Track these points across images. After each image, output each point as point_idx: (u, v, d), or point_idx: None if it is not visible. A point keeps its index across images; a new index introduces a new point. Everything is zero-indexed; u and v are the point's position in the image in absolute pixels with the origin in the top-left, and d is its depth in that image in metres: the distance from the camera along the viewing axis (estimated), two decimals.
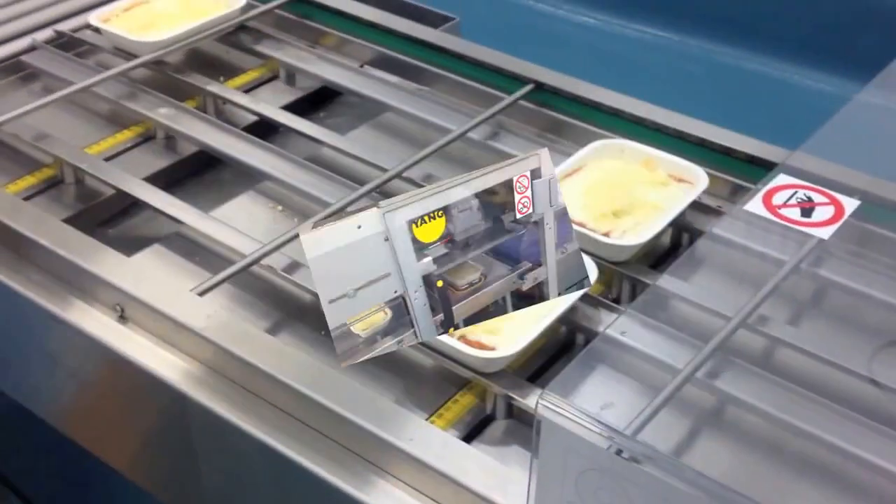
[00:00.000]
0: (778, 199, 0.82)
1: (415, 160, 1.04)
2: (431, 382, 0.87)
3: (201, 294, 0.90)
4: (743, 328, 0.80)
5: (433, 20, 1.30)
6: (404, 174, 1.04)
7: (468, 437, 0.82)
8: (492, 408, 0.84)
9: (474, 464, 0.75)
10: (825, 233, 0.80)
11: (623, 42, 1.68)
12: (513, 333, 0.83)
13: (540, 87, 1.15)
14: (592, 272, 0.87)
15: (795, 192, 0.83)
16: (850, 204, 0.82)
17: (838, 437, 0.76)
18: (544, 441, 0.66)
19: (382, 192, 1.02)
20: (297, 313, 0.94)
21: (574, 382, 0.71)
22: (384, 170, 1.04)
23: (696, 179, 0.98)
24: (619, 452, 0.63)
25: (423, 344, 0.84)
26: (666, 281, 0.82)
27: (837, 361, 0.81)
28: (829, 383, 0.81)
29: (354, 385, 0.81)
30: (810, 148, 0.89)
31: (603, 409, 0.68)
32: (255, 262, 0.93)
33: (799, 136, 0.92)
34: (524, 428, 0.83)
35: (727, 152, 1.06)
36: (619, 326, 0.79)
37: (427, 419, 0.82)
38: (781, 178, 0.84)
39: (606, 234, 0.92)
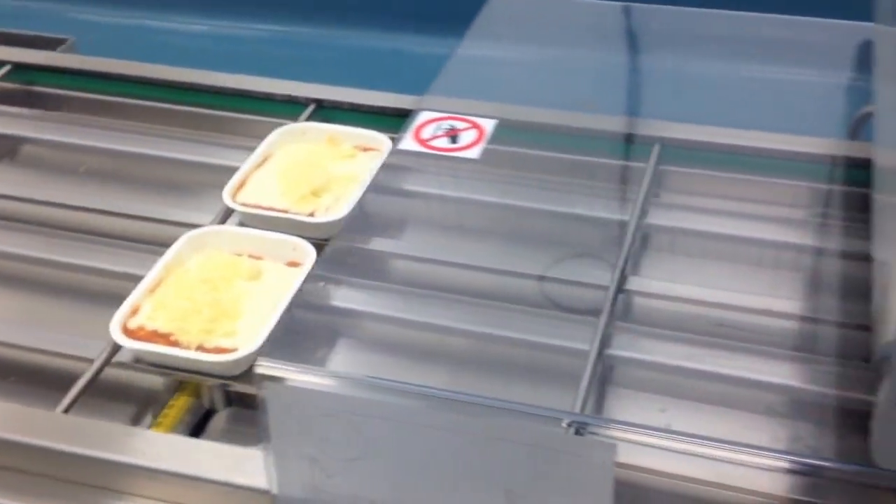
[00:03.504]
0: (426, 133, 0.91)
1: None
2: (140, 395, 0.88)
3: None
4: (431, 264, 0.88)
5: (44, 44, 1.28)
6: None
7: (193, 436, 0.85)
8: (210, 401, 0.87)
9: (206, 454, 0.77)
10: (474, 153, 0.89)
11: (240, 42, 1.73)
12: (250, 330, 0.84)
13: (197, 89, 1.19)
14: (311, 253, 0.91)
15: (440, 124, 0.92)
16: (489, 124, 0.92)
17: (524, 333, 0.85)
18: (271, 404, 0.69)
19: None
20: None
21: (284, 343, 0.76)
22: None
23: (380, 145, 1.04)
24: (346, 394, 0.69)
25: (157, 365, 0.85)
26: (344, 238, 0.88)
27: (512, 269, 0.91)
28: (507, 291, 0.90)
29: (64, 418, 0.81)
30: (439, 89, 0.99)
31: (318, 355, 0.73)
32: None
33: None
34: (247, 411, 0.86)
35: (382, 112, 1.13)
36: (310, 285, 0.84)
37: (148, 429, 0.84)
38: (425, 115, 0.93)
39: (311, 215, 0.96)
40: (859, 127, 1.04)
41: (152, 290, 0.89)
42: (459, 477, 0.68)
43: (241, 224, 0.98)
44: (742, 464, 0.64)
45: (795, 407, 0.79)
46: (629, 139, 1.07)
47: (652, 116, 1.10)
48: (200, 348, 0.83)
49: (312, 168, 1.01)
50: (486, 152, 0.90)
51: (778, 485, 0.68)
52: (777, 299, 0.87)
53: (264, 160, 1.04)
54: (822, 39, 1.10)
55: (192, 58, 1.51)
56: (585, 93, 1.07)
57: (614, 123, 1.07)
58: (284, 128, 1.08)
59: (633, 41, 1.15)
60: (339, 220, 0.95)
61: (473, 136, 0.90)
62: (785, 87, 1.11)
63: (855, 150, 1.02)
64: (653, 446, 0.67)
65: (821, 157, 1.04)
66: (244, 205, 0.97)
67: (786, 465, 0.63)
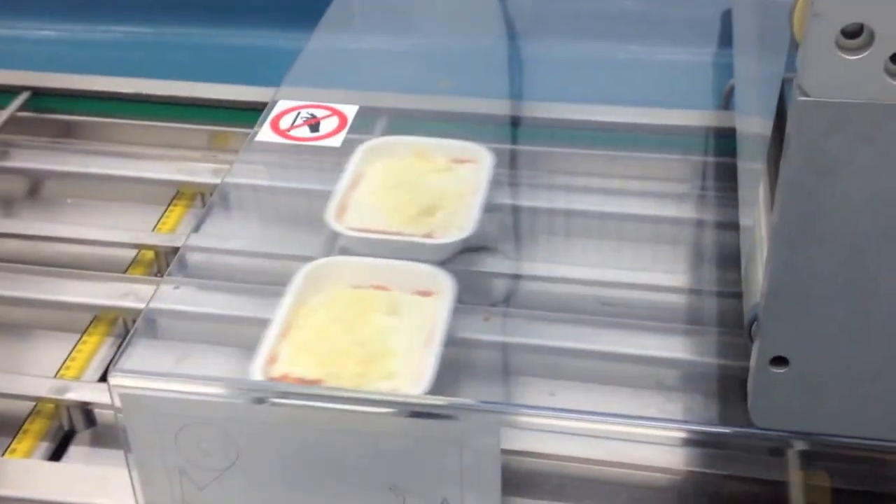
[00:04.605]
0: (285, 122, 0.88)
1: None
2: None
3: None
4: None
5: None
6: None
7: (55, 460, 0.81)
8: (69, 423, 0.83)
9: (67, 477, 0.75)
10: (336, 141, 0.87)
11: (94, 46, 1.67)
12: (409, 370, 0.74)
13: (37, 92, 1.17)
14: (444, 280, 0.81)
15: (299, 113, 0.89)
16: (350, 110, 0.90)
17: None
18: (130, 417, 0.66)
19: None
20: None
21: (139, 357, 0.72)
22: None
23: (478, 157, 0.94)
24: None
25: None
26: (200, 238, 0.85)
27: None
28: None
29: None
30: (295, 80, 0.97)
31: (178, 362, 0.70)
32: None
33: None
34: (111, 430, 0.83)
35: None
36: (163, 293, 0.79)
37: (2, 455, 0.80)
38: (283, 104, 0.90)
39: (428, 236, 0.86)
40: (730, 98, 1.06)
41: (284, 335, 0.78)
42: (341, 476, 0.66)
43: (344, 251, 0.86)
44: (635, 439, 0.64)
45: (684, 379, 0.78)
46: (490, 120, 1.06)
47: (524, 98, 1.09)
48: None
49: (413, 186, 0.91)
50: (348, 141, 0.87)
51: (671, 458, 0.68)
52: (660, 274, 0.87)
53: (357, 180, 0.91)
54: (695, 12, 1.11)
55: (47, 65, 1.46)
56: (446, 76, 1.06)
57: (479, 105, 1.06)
58: (370, 143, 0.95)
59: (496, 22, 1.15)
60: (461, 241, 0.85)
61: (335, 123, 0.88)
62: (660, 63, 1.12)
63: (726, 120, 1.03)
64: (543, 429, 0.67)
65: (695, 129, 1.05)
66: (353, 229, 0.86)
67: (671, 434, 0.62)
